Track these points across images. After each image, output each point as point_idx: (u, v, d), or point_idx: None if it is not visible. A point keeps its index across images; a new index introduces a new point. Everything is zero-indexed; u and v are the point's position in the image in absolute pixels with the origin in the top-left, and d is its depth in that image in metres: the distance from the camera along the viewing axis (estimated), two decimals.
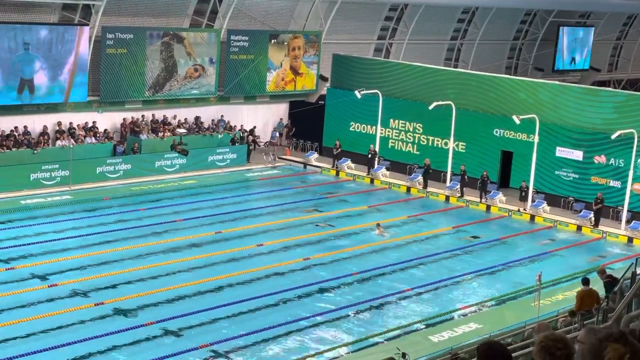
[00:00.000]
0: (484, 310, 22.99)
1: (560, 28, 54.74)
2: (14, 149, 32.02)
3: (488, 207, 33.99)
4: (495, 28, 51.27)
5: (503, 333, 19.08)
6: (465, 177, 34.96)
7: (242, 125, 40.19)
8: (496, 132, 36.17)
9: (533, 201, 33.33)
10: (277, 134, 41.18)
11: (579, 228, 31.72)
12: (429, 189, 35.64)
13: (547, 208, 33.09)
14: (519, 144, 35.45)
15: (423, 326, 21.37)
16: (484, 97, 36.69)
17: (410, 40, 46.89)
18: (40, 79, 32.91)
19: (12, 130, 32.70)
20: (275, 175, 37.75)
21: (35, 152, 32.42)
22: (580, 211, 32.47)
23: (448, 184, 35.67)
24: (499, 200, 34.07)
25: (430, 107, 35.92)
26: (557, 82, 38.29)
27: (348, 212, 32.30)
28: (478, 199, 34.41)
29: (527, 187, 33.58)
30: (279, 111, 42.79)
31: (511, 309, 23.00)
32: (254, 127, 40.60)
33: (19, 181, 31.11)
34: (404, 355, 16.52)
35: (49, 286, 22.18)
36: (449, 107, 36.11)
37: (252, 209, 31.46)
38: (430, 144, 38.14)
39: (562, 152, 34.25)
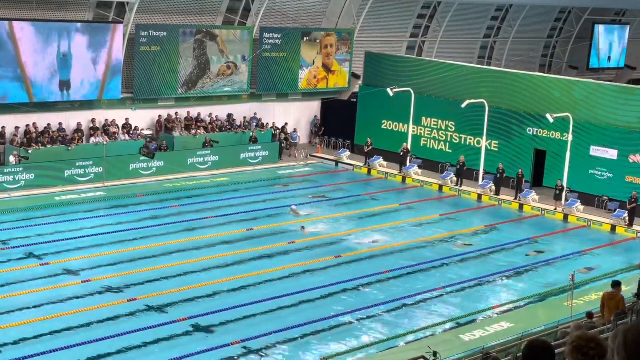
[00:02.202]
0: (516, 309, 22.81)
1: (595, 26, 54.18)
2: (49, 146, 32.37)
3: (521, 206, 33.74)
4: (529, 26, 50.86)
5: (535, 332, 18.93)
6: (504, 175, 34.74)
7: (274, 122, 40.28)
8: (529, 130, 35.90)
9: (567, 200, 33.03)
10: (299, 136, 40.90)
11: (613, 228, 31.37)
12: (462, 187, 35.47)
13: (581, 207, 32.77)
14: (552, 143, 35.15)
15: (454, 325, 21.27)
16: (517, 95, 36.42)
17: (443, 38, 46.69)
18: (75, 76, 33.22)
19: (46, 127, 33.06)
20: (307, 173, 37.77)
21: (69, 148, 32.75)
22: (615, 210, 32.11)
23: (481, 182, 35.46)
24: (532, 199, 33.81)
25: (463, 106, 35.74)
26: (591, 81, 37.89)
27: (380, 210, 32.23)
28: (511, 198, 34.18)
29: (563, 186, 33.24)
30: (311, 109, 42.81)
31: (544, 308, 22.82)
32: (286, 124, 40.66)
33: (53, 177, 31.46)
34: (435, 354, 16.45)
35: (82, 282, 22.39)
36: (482, 105, 35.90)
37: (283, 207, 31.51)
38: (462, 142, 37.95)
39: (596, 151, 33.90)
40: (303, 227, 28.55)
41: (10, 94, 31.77)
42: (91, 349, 18.34)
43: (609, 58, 55.74)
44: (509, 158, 36.08)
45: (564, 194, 33.15)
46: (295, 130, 40.74)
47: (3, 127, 32.04)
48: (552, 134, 35.10)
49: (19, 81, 31.76)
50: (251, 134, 37.87)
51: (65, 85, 33.06)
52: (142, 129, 35.48)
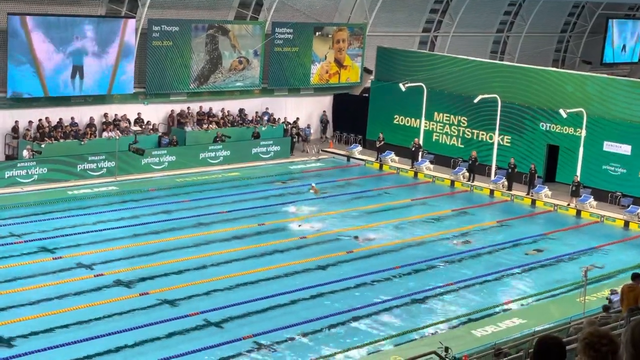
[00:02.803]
0: (528, 305, 22.75)
1: (609, 20, 53.89)
2: (61, 140, 32.46)
3: (533, 202, 33.62)
4: (542, 20, 50.65)
5: (548, 329, 18.86)
6: (516, 170, 34.63)
7: (285, 117, 40.26)
8: (542, 125, 35.76)
9: (580, 196, 32.88)
10: (311, 131, 40.83)
11: (627, 223, 31.22)
12: (474, 182, 35.39)
13: (594, 203, 32.62)
14: (565, 138, 35.00)
15: (466, 320, 21.22)
16: (530, 90, 36.27)
17: (456, 33, 46.55)
18: (88, 71, 33.32)
19: (58, 122, 33.17)
20: (319, 167, 37.75)
21: (82, 143, 32.84)
22: (628, 206, 31.96)
23: (493, 177, 35.35)
24: (545, 194, 33.67)
25: (476, 101, 35.62)
26: (605, 75, 37.69)
27: (391, 205, 32.18)
28: (523, 194, 34.07)
29: (580, 183, 33.05)
30: (323, 104, 42.75)
31: (556, 304, 22.73)
32: (297, 119, 40.64)
33: (66, 172, 31.56)
34: (446, 349, 16.42)
35: (94, 276, 22.46)
36: (495, 100, 35.78)
37: (294, 202, 31.50)
38: (474, 137, 37.85)
39: (610, 146, 33.73)
40: (300, 225, 28.34)
41: (26, 89, 31.90)
42: (103, 342, 18.39)
43: (624, 47, 55.42)
44: (521, 153, 35.95)
45: (580, 189, 32.97)
46: (308, 126, 40.67)
47: (16, 122, 32.16)
48: (565, 129, 34.95)
49: (34, 76, 31.88)
50: (254, 129, 37.76)
51: (77, 79, 33.13)
52: (130, 126, 34.71)
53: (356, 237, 27.31)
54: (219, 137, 36.42)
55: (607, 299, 19.85)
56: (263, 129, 38.43)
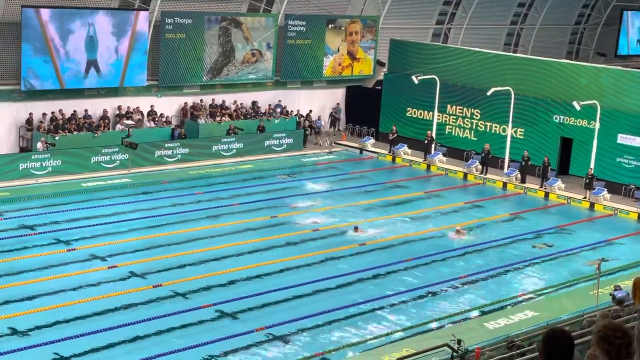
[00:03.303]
0: (541, 298, 22.72)
1: (624, 12, 53.57)
2: (75, 133, 32.60)
3: (547, 195, 33.53)
4: (556, 12, 50.40)
5: (560, 321, 18.83)
6: (529, 163, 34.55)
7: (298, 110, 40.27)
8: (556, 118, 35.64)
9: (593, 189, 32.77)
10: (323, 123, 40.72)
11: None
12: (487, 175, 35.33)
13: (608, 196, 32.50)
14: (579, 131, 34.87)
15: (479, 313, 21.23)
16: (543, 82, 36.14)
17: (469, 25, 46.41)
18: (102, 63, 33.44)
19: (72, 114, 33.30)
20: (331, 160, 37.76)
21: (95, 135, 32.96)
22: None
23: (506, 170, 35.26)
24: (558, 187, 33.58)
25: (489, 93, 35.53)
26: (619, 67, 37.50)
27: (404, 198, 32.17)
28: (536, 186, 33.98)
29: (593, 175, 32.92)
30: (336, 96, 42.73)
31: (569, 297, 22.70)
32: (310, 111, 40.64)
33: (80, 164, 31.69)
34: (459, 341, 16.40)
35: (108, 267, 22.58)
36: (508, 92, 35.67)
37: (307, 194, 31.53)
38: (488, 130, 37.76)
39: (624, 139, 33.58)
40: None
41: (40, 81, 32.05)
42: (117, 333, 18.49)
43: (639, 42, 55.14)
44: (534, 146, 35.84)
45: (594, 182, 32.85)
46: (319, 118, 40.65)
47: (30, 114, 32.30)
48: (579, 122, 34.82)
49: (49, 68, 32.03)
50: (259, 122, 37.66)
51: (91, 72, 33.25)
52: (127, 119, 34.07)
53: (356, 229, 27.19)
54: (231, 130, 36.49)
55: (610, 294, 19.76)
56: (276, 121, 38.47)
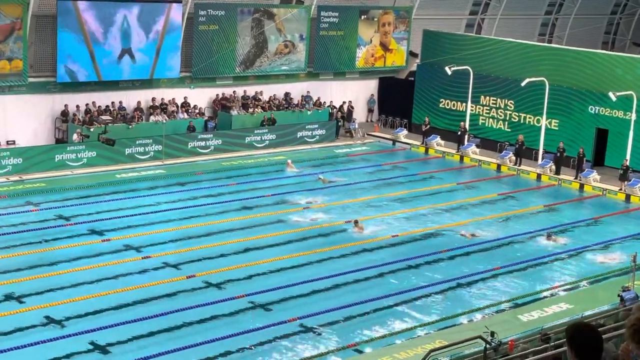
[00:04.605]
0: (575, 290, 22.53)
1: None
2: (109, 124, 32.85)
3: (581, 186, 33.21)
4: (592, 2, 49.79)
5: (595, 314, 18.67)
6: (564, 154, 34.24)
7: (331, 101, 40.24)
8: (591, 109, 35.26)
9: (629, 180, 32.40)
10: (357, 126, 40.07)
11: None
12: (521, 166, 35.08)
13: None
14: (615, 122, 34.47)
15: (512, 305, 21.10)
16: (578, 73, 35.76)
17: (503, 15, 46.00)
18: (135, 55, 33.66)
19: (107, 106, 33.58)
20: (364, 151, 37.70)
21: (130, 127, 33.21)
22: None
23: (540, 161, 34.97)
24: (593, 179, 33.24)
25: (523, 84, 35.24)
26: None
27: (437, 189, 32.05)
28: (571, 178, 33.67)
29: (629, 167, 32.54)
30: (368, 87, 42.64)
31: (604, 289, 22.46)
32: (344, 103, 40.61)
33: (114, 155, 31.96)
34: (492, 334, 16.33)
35: (142, 258, 22.76)
36: (542, 83, 35.35)
37: (340, 185, 31.53)
38: (521, 121, 37.47)
39: None
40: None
41: (77, 72, 32.36)
42: (150, 324, 18.64)
43: None
44: (569, 137, 35.50)
45: (629, 173, 32.47)
46: (354, 121, 40.25)
47: (66, 105, 32.62)
48: (615, 113, 34.41)
49: (86, 59, 32.35)
50: (270, 115, 37.41)
51: (126, 63, 33.48)
52: (104, 115, 32.80)
53: (356, 223, 26.38)
54: (265, 121, 36.58)
55: (618, 295, 19.52)
56: (308, 112, 38.50)
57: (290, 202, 28.91)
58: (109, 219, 25.73)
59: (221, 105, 36.90)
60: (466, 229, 26.87)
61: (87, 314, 19.00)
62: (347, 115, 40.54)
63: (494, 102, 38.42)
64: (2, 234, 23.85)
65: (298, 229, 25.97)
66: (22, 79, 31.13)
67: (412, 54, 43.00)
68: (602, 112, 34.93)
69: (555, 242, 25.98)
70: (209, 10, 35.68)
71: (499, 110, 38.28)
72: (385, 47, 42.22)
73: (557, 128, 36.15)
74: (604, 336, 5.68)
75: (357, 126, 39.84)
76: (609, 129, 34.79)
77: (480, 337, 14.78)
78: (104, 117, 32.74)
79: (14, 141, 31.09)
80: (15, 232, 24.14)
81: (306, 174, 32.85)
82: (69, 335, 17.82)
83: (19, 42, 30.59)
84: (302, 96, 39.43)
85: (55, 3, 31.29)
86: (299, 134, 37.47)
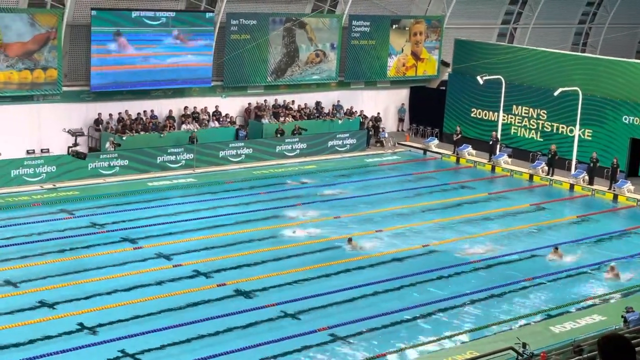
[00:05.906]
0: (608, 302, 22.25)
1: None
2: (141, 133, 33.11)
3: (615, 197, 32.85)
4: (626, 11, 49.35)
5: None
6: (597, 164, 33.91)
7: (362, 110, 40.23)
8: (625, 119, 34.90)
9: None
10: (387, 135, 39.98)
11: None
12: (554, 177, 34.79)
13: None
14: None
15: (545, 316, 20.89)
16: (612, 82, 35.43)
17: (536, 25, 45.74)
18: (168, 64, 33.89)
19: (139, 114, 33.84)
20: (395, 161, 37.62)
21: (161, 135, 33.43)
22: None
23: (573, 171, 34.65)
24: (627, 189, 32.86)
25: (556, 93, 34.99)
26: None
27: (469, 199, 31.87)
28: (604, 188, 33.32)
29: None
30: (400, 97, 42.58)
31: (638, 301, 22.14)
32: (378, 113, 40.65)
33: (146, 164, 32.18)
34: (524, 345, 16.21)
35: (173, 266, 22.86)
36: (576, 93, 35.06)
37: (371, 195, 31.46)
38: (554, 131, 37.18)
39: None
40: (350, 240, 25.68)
41: (109, 81, 32.66)
42: (180, 332, 18.69)
43: None
44: (603, 147, 35.16)
45: None
46: (383, 130, 40.22)
47: (99, 114, 32.92)
48: None
49: (117, 69, 32.62)
50: (278, 126, 37.25)
51: (158, 72, 33.72)
52: (68, 130, 31.00)
53: (350, 240, 25.35)
54: (296, 130, 36.65)
55: (622, 317, 19.24)
56: (339, 122, 38.53)
57: (321, 211, 28.84)
58: (141, 227, 25.89)
59: (254, 114, 37.03)
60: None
61: (117, 322, 19.08)
62: (373, 129, 40.23)
63: (527, 111, 38.17)
64: (36, 241, 24.11)
65: (327, 239, 25.92)
66: (56, 87, 31.48)
67: (443, 64, 42.89)
68: (636, 122, 34.57)
69: (560, 258, 25.24)
70: (240, 20, 35.85)
71: (532, 120, 38.02)
72: (416, 56, 42.15)
73: (590, 138, 35.83)
74: (637, 348, 5.60)
75: (387, 135, 39.78)
76: None
77: (511, 348, 14.67)
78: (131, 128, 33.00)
79: (48, 149, 31.41)
80: (48, 240, 24.38)
81: (336, 183, 32.81)
82: (100, 343, 17.91)
83: (53, 52, 30.95)
84: (333, 105, 39.48)
85: (89, 13, 31.62)
86: (330, 143, 37.49)
